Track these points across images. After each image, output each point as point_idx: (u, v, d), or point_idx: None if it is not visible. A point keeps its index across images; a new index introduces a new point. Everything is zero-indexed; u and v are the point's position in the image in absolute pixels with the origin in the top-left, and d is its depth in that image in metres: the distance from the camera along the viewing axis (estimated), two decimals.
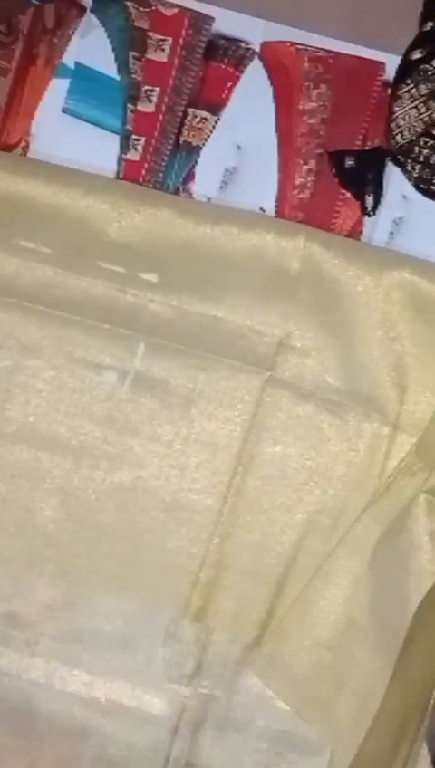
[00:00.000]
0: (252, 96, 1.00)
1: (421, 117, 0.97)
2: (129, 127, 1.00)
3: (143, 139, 1.00)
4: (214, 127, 1.00)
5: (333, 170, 1.00)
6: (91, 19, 0.99)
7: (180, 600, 0.98)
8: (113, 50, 1.00)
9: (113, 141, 1.00)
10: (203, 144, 1.00)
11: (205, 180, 1.00)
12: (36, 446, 0.98)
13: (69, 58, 1.00)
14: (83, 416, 0.98)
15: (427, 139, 0.97)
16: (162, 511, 0.98)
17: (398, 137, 0.98)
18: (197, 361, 0.98)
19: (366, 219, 1.00)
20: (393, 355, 0.98)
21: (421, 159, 0.98)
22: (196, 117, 1.00)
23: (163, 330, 0.99)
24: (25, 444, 0.98)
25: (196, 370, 0.98)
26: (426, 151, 0.98)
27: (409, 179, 0.99)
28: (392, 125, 0.98)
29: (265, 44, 1.00)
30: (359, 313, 0.99)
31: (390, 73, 0.99)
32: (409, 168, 0.99)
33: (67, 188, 0.98)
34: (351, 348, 0.99)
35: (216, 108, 1.00)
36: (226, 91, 1.00)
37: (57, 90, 1.00)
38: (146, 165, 1.00)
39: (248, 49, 1.00)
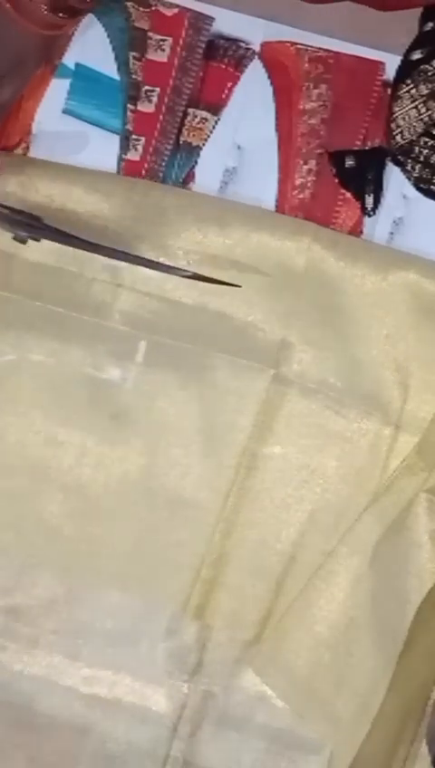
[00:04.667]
0: (252, 96, 1.00)
1: (421, 117, 0.97)
2: (129, 127, 1.00)
3: (143, 139, 1.00)
4: (214, 127, 1.00)
5: (333, 170, 1.00)
6: (91, 19, 0.99)
7: (181, 596, 0.98)
8: (113, 50, 1.00)
9: (113, 141, 1.00)
10: (203, 144, 1.00)
11: (205, 180, 1.00)
12: (40, 441, 0.99)
13: (69, 58, 1.00)
14: (86, 413, 0.99)
15: (427, 139, 0.97)
16: (165, 507, 0.98)
17: (398, 137, 0.98)
18: (199, 359, 0.99)
19: (366, 219, 1.00)
20: (397, 355, 0.98)
21: (421, 159, 0.98)
22: (196, 117, 1.00)
23: (165, 326, 0.99)
24: (29, 439, 0.99)
25: (198, 368, 0.99)
26: (426, 151, 0.98)
27: (409, 179, 0.99)
28: (392, 125, 0.98)
29: (265, 44, 1.00)
30: (364, 313, 0.99)
31: (390, 73, 0.99)
32: (409, 167, 0.98)
33: (69, 185, 0.98)
34: (355, 347, 0.99)
35: (216, 108, 1.00)
36: (226, 91, 1.00)
37: (57, 90, 1.00)
38: (146, 165, 1.00)
39: (248, 49, 1.00)
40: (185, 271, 0.96)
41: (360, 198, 1.00)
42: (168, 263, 0.98)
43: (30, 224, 0.94)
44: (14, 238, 0.94)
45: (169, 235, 0.99)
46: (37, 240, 0.94)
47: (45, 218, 0.95)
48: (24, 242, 0.94)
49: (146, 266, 0.97)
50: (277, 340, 0.99)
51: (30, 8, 0.86)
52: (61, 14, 0.87)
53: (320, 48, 0.99)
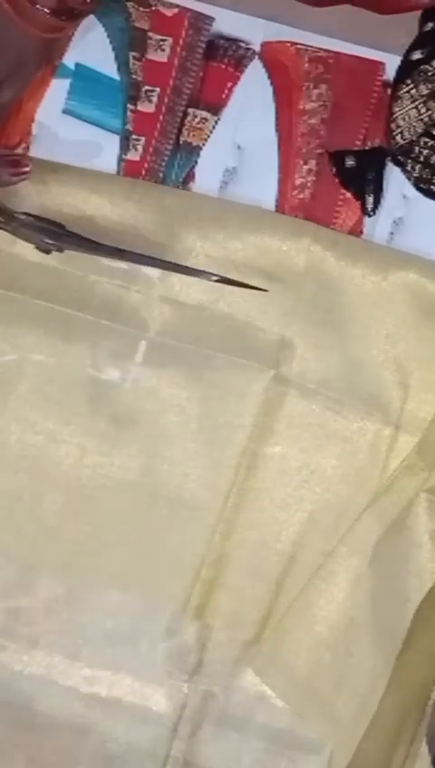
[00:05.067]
0: (252, 96, 1.00)
1: (421, 117, 0.96)
2: (129, 127, 1.00)
3: (143, 139, 1.00)
4: (214, 127, 1.00)
5: (334, 170, 1.00)
6: (91, 19, 0.98)
7: (181, 596, 0.98)
8: (113, 50, 1.00)
9: (113, 141, 1.00)
10: (203, 144, 1.00)
11: (205, 180, 1.00)
12: (40, 441, 0.99)
13: (69, 58, 1.00)
14: (86, 413, 0.99)
15: (427, 140, 0.97)
16: (165, 507, 0.99)
17: (398, 137, 0.98)
18: (200, 359, 0.99)
19: (366, 219, 1.00)
20: (397, 355, 0.98)
21: (421, 159, 0.98)
22: (196, 117, 1.00)
23: (165, 326, 0.99)
24: (29, 439, 0.99)
25: (199, 368, 0.99)
26: (426, 151, 0.97)
27: (409, 179, 0.99)
28: (392, 125, 0.97)
29: (265, 44, 1.00)
30: (364, 313, 0.99)
31: (390, 73, 0.99)
32: (409, 167, 0.98)
33: (71, 186, 0.98)
34: (355, 347, 0.99)
35: (216, 108, 1.00)
36: (226, 91, 1.00)
37: (57, 90, 1.00)
38: (146, 165, 1.00)
39: (248, 49, 1.00)
40: (212, 275, 0.96)
41: (360, 198, 1.00)
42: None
43: (54, 231, 0.94)
44: (38, 248, 0.94)
45: (169, 236, 0.99)
46: (61, 251, 0.94)
47: (67, 225, 0.95)
48: (48, 252, 0.94)
49: (174, 271, 0.97)
50: (277, 340, 0.99)
51: (31, 11, 0.86)
52: (62, 17, 0.87)
53: (320, 48, 0.99)
